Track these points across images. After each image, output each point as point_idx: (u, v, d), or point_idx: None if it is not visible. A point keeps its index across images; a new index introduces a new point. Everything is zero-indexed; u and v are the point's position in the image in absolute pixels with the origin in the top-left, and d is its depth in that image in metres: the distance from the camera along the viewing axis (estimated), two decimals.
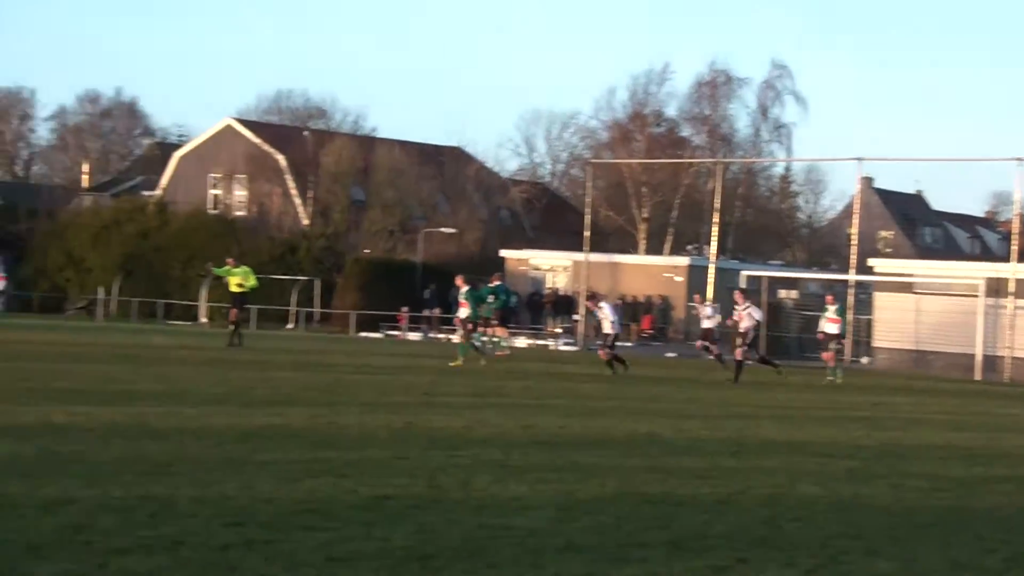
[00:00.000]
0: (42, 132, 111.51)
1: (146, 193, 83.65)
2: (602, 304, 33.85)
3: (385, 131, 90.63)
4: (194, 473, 11.13)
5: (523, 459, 13.29)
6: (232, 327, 35.96)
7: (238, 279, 35.71)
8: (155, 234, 73.52)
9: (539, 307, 62.90)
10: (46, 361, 25.58)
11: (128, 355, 29.48)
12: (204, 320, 66.53)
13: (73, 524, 8.59)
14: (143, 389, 19.80)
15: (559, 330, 59.03)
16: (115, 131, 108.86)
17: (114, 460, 11.73)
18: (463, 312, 33.86)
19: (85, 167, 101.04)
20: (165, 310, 67.70)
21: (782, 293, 57.79)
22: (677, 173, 79.09)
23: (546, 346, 54.66)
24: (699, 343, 39.96)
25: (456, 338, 34.60)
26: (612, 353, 32.47)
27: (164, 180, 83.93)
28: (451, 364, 32.09)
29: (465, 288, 34.03)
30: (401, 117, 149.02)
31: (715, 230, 56.32)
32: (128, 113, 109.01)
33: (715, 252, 56.49)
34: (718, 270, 54.15)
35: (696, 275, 58.38)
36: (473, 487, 11.14)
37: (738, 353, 32.07)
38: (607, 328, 32.73)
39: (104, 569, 7.43)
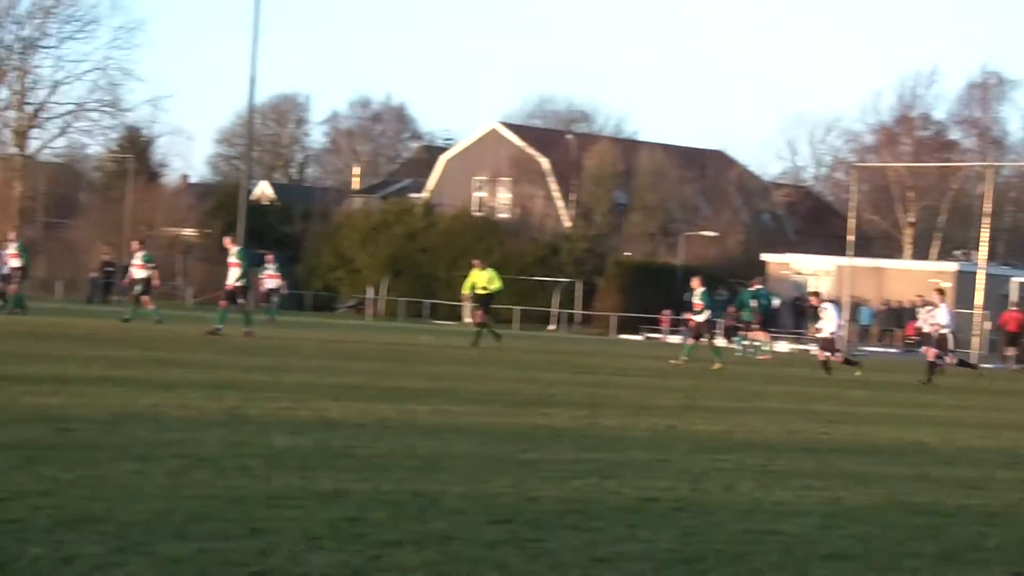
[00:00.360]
0: (316, 136, 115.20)
1: (413, 195, 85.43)
2: (826, 304, 33.48)
3: (647, 134, 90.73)
4: (462, 470, 11.36)
5: (787, 464, 13.18)
6: (477, 328, 36.48)
7: (483, 281, 36.22)
8: (422, 235, 74.98)
9: (801, 312, 62.13)
10: (319, 358, 26.36)
11: (396, 353, 30.17)
12: (469, 320, 67.60)
13: (347, 516, 8.86)
14: (411, 386, 20.26)
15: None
16: (384, 135, 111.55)
17: (385, 455, 12.04)
18: (697, 314, 33.72)
19: (356, 170, 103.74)
20: (431, 309, 68.96)
21: None
22: (945, 177, 77.23)
23: (807, 351, 53.94)
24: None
25: (693, 341, 34.36)
26: (838, 355, 32.38)
27: (431, 183, 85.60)
28: (672, 362, 32.21)
29: (700, 289, 33.85)
30: (663, 120, 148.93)
31: (985, 235, 54.75)
32: (397, 117, 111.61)
33: (985, 257, 54.92)
34: (988, 276, 52.61)
35: (964, 281, 56.87)
36: (737, 491, 11.10)
37: (930, 354, 32.24)
38: (828, 329, 32.37)
39: (378, 561, 7.65)
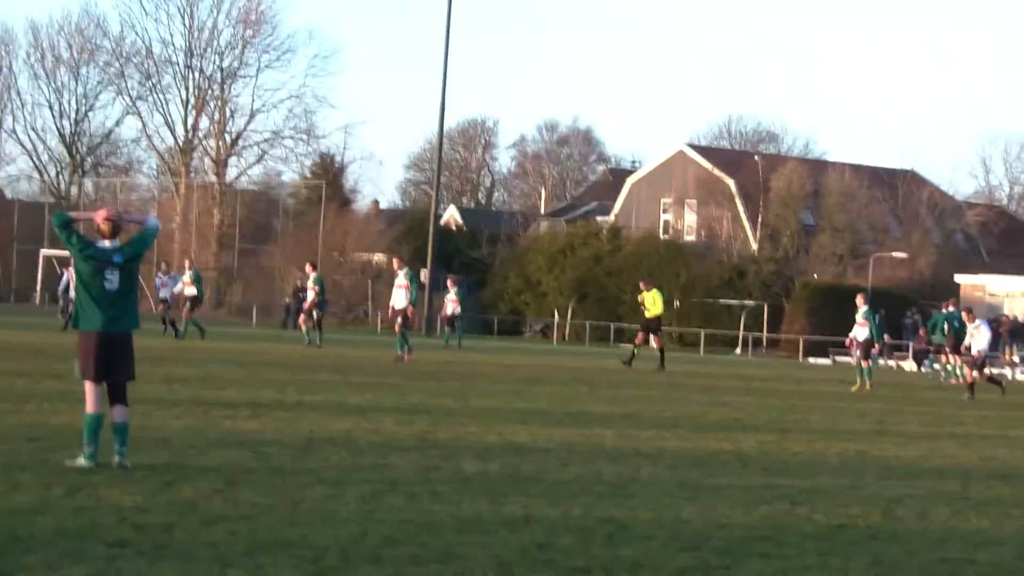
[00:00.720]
0: (503, 160, 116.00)
1: (600, 218, 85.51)
2: (979, 322, 32.58)
3: (836, 154, 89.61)
4: (649, 495, 11.37)
5: (984, 492, 12.91)
6: (633, 349, 36.40)
7: (647, 302, 36.15)
8: (608, 258, 74.95)
9: (996, 335, 60.63)
10: (506, 382, 26.56)
11: (583, 377, 30.24)
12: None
13: (537, 542, 8.94)
14: (598, 411, 20.30)
15: (1016, 359, 56.73)
16: (571, 158, 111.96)
17: (572, 480, 12.11)
18: (860, 333, 32.84)
19: (542, 193, 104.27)
20: (617, 333, 68.92)
21: None
22: None
23: (1004, 375, 52.62)
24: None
25: (862, 362, 33.35)
26: (982, 375, 31.59)
27: (617, 205, 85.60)
28: (852, 389, 31.53)
29: (863, 308, 33.11)
30: (852, 140, 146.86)
31: None
32: (584, 140, 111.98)
33: None
34: None
35: None
36: (931, 519, 10.92)
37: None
38: (978, 347, 31.48)
39: None
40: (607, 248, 76.04)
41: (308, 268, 40.78)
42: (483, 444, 14.63)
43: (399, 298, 32.62)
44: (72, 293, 38.59)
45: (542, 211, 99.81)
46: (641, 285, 36.92)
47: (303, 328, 39.10)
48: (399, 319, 32.49)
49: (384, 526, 9.17)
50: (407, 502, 10.25)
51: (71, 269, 39.69)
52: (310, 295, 38.91)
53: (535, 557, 8.48)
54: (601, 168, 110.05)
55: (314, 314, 38.50)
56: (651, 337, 36.42)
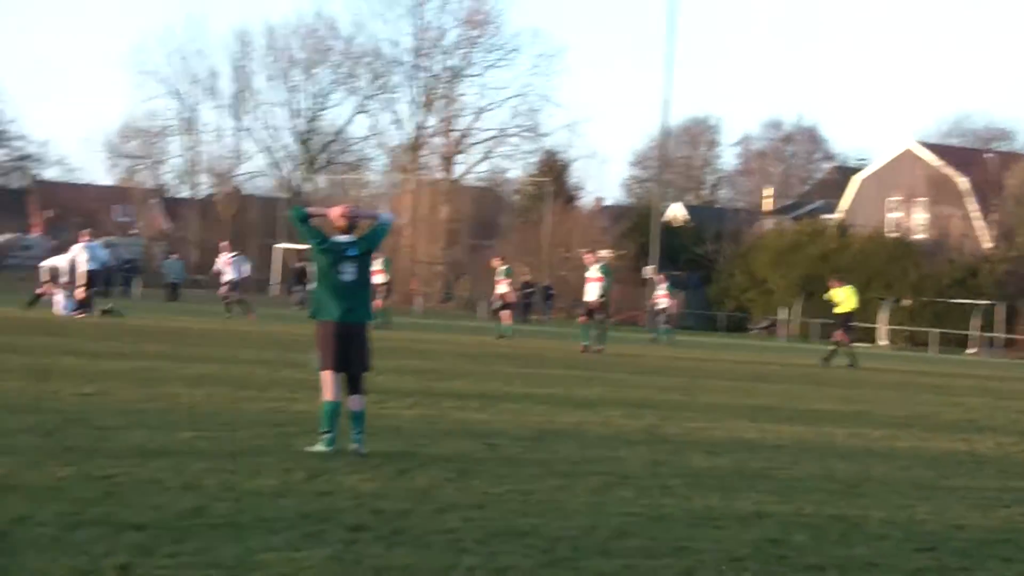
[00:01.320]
0: (727, 158, 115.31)
1: (826, 216, 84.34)
2: None
3: None
4: (882, 495, 11.19)
5: None
6: (846, 349, 35.70)
7: (838, 299, 35.49)
8: (835, 256, 73.84)
9: None
10: (732, 379, 26.39)
11: (810, 375, 29.88)
12: (884, 342, 66.26)
13: (769, 538, 8.88)
14: (827, 409, 20.04)
15: None
16: (796, 156, 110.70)
17: (804, 477, 11.99)
18: None
19: (767, 191, 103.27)
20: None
21: None
22: None
23: None
24: None
25: None
26: None
27: (844, 203, 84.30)
28: None
29: None
30: None
31: None
32: (809, 138, 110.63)
33: None
34: None
35: None
36: None
37: None
38: None
39: None
40: (834, 246, 74.94)
41: (496, 262, 41.06)
42: (712, 439, 14.58)
43: (591, 291, 32.73)
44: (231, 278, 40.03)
45: (767, 208, 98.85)
46: (832, 282, 36.35)
47: (506, 321, 39.26)
48: (590, 312, 32.63)
49: (614, 518, 9.21)
50: (637, 495, 10.28)
51: (226, 259, 41.00)
52: (502, 287, 39.31)
53: (768, 553, 8.43)
54: (827, 166, 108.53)
55: (495, 304, 39.43)
56: (839, 333, 35.93)
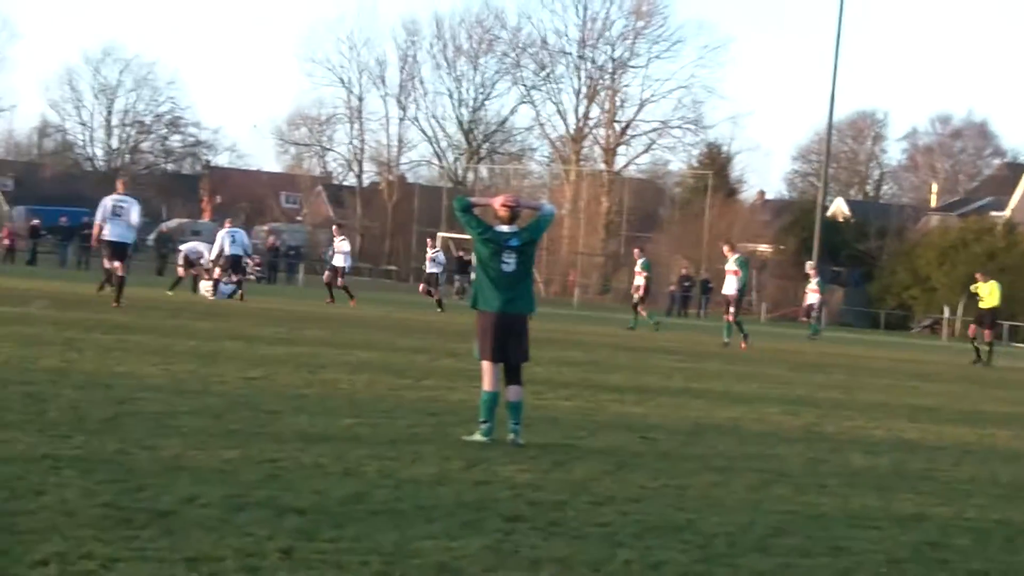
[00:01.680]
0: (893, 153, 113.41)
1: (994, 214, 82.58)
2: None
3: None
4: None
5: None
6: (986, 346, 34.95)
7: (983, 294, 34.73)
8: (1002, 255, 72.32)
9: None
10: (892, 377, 26.01)
11: (974, 376, 29.33)
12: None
13: (929, 541, 8.76)
14: (990, 410, 19.66)
15: None
16: (964, 151, 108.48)
17: (966, 480, 11.79)
18: None
19: (934, 187, 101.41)
20: (1010, 332, 66.45)
21: None
22: None
23: None
24: None
25: None
26: None
27: (1013, 200, 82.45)
28: None
29: None
30: None
31: None
32: (978, 134, 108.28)
33: None
34: None
35: None
36: None
37: None
38: None
39: None
40: (1001, 245, 73.36)
41: (636, 253, 41.00)
42: (871, 439, 14.40)
43: (729, 285, 32.16)
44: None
45: (933, 205, 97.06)
46: (978, 276, 35.73)
47: (642, 314, 38.96)
48: (727, 304, 32.14)
49: (772, 516, 9.16)
50: (795, 493, 10.20)
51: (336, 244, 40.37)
52: (639, 280, 39.18)
53: (929, 556, 8.31)
54: (997, 162, 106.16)
55: (634, 298, 39.30)
56: (984, 330, 35.17)
